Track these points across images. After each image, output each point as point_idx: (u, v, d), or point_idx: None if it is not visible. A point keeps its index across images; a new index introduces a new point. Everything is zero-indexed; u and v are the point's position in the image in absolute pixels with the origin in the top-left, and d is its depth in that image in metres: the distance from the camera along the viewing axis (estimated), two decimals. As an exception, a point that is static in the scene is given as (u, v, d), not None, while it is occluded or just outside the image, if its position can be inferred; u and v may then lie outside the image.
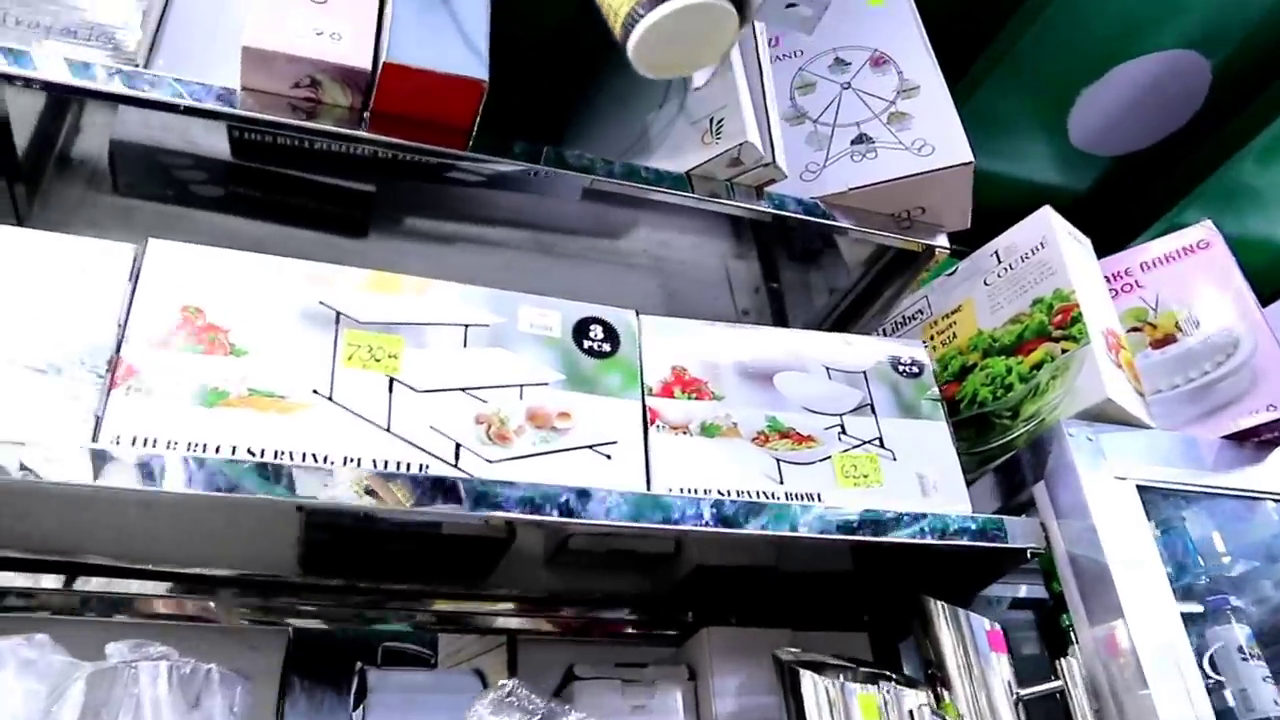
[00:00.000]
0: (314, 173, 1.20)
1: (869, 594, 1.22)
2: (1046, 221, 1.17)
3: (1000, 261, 1.20)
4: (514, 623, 1.11)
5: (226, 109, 0.88)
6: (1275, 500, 1.13)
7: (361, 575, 1.07)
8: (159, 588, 1.02)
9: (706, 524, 0.88)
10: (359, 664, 0.96)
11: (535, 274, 1.31)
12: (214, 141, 1.11)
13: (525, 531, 1.11)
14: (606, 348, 0.96)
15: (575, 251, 1.35)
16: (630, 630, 1.18)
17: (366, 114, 0.93)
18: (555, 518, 0.83)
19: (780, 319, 1.40)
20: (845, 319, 1.30)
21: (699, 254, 1.42)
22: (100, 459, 0.74)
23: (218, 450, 0.78)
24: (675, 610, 1.19)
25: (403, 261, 1.21)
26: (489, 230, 1.32)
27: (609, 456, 0.90)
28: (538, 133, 1.04)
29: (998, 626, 1.01)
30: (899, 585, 1.15)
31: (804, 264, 1.41)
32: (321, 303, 0.89)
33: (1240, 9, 1.43)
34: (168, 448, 0.77)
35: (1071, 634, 0.99)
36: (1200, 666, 0.95)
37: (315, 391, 0.84)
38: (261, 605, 1.04)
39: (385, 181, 1.22)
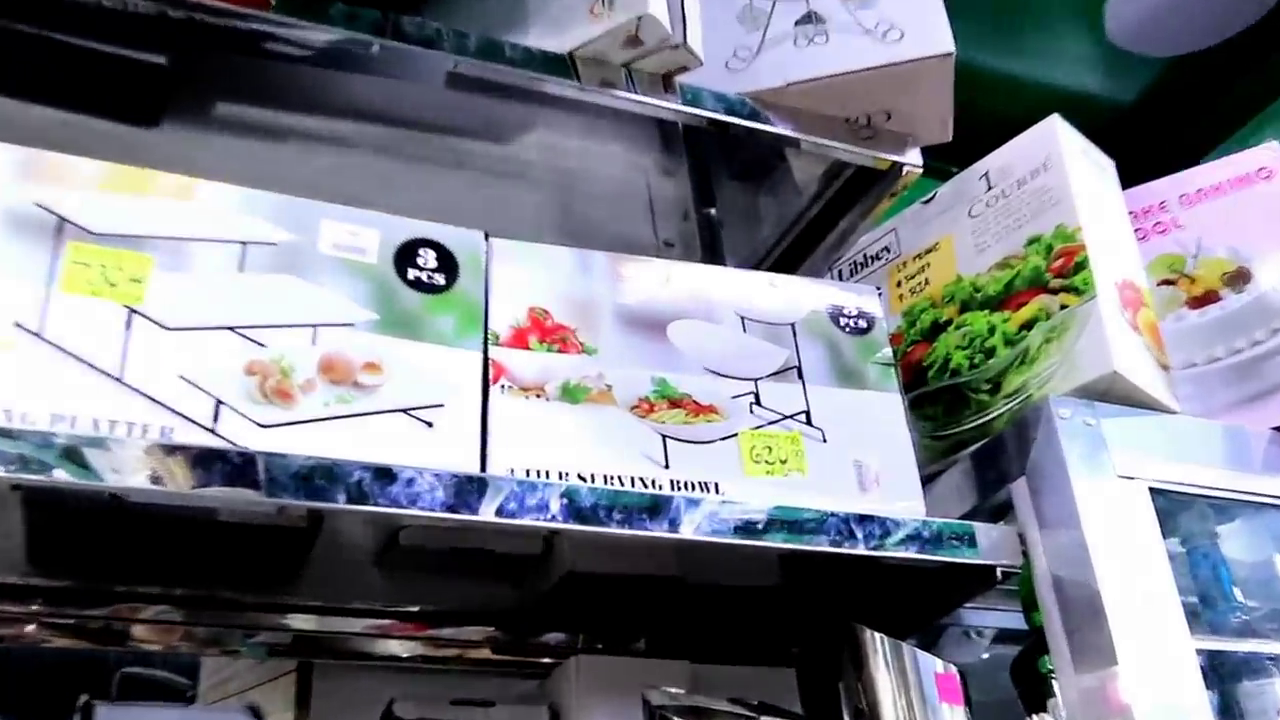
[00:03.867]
0: (81, 37, 1.14)
1: (800, 619, 1.21)
2: (1052, 134, 1.15)
3: (991, 186, 1.19)
4: (310, 642, 1.10)
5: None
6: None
7: (109, 575, 1.03)
8: None
9: (553, 518, 0.85)
10: (83, 697, 0.92)
11: (386, 184, 1.28)
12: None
13: (340, 522, 1.06)
14: (439, 279, 0.93)
15: (443, 157, 1.32)
16: (475, 655, 1.17)
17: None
18: (340, 504, 0.80)
19: (713, 254, 1.40)
20: (792, 257, 1.30)
21: (612, 167, 1.39)
22: None
23: None
24: (540, 630, 1.19)
25: (206, 160, 1.20)
26: (328, 124, 1.28)
27: (430, 424, 0.87)
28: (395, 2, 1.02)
29: (952, 669, 1.00)
30: (839, 609, 1.14)
31: (747, 185, 1.40)
32: (39, 204, 0.84)
33: None
34: None
35: (1052, 682, 0.98)
36: (1223, 737, 0.94)
37: (19, 325, 0.79)
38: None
39: (182, 55, 1.16)
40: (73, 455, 0.74)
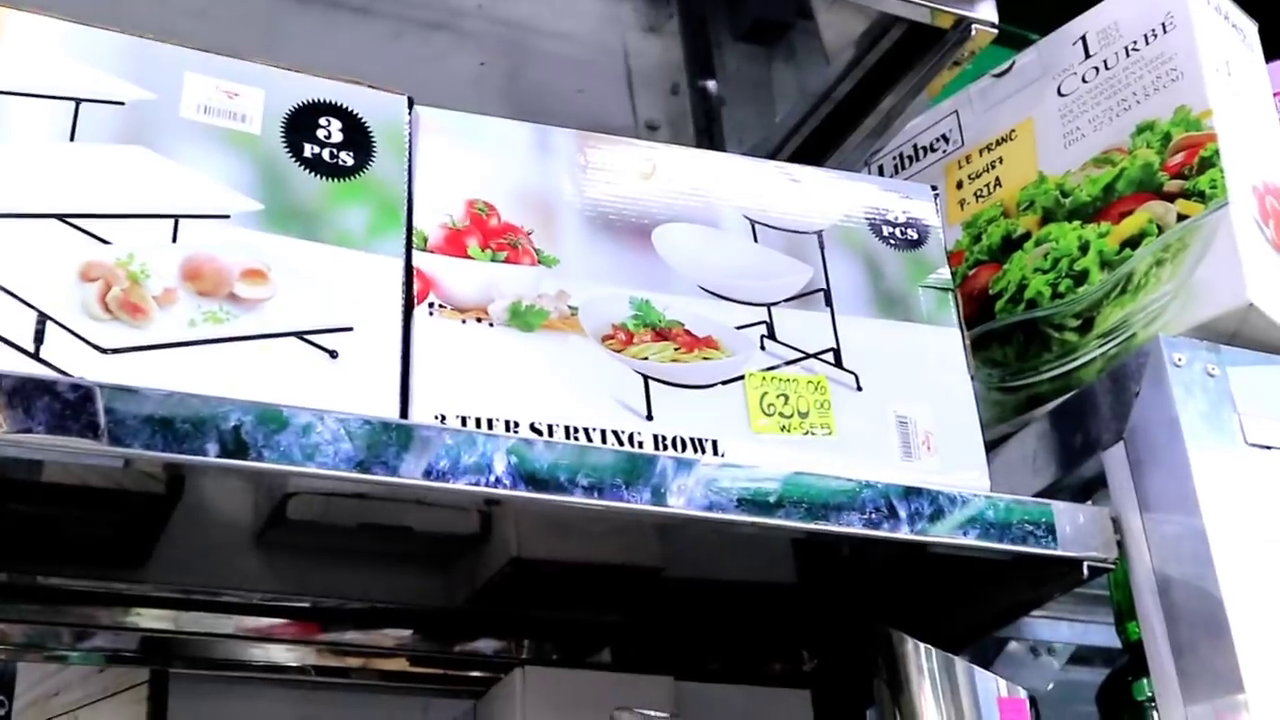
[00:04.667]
0: None
1: (819, 624, 1.23)
2: None
3: (1089, 54, 1.19)
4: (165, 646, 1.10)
5: None
6: None
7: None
8: None
9: (497, 482, 0.84)
10: None
11: (272, 30, 1.29)
12: None
13: (208, 485, 1.10)
14: (347, 158, 0.92)
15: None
16: (388, 667, 1.17)
17: None
18: (211, 457, 0.78)
19: (710, 141, 1.42)
20: (817, 145, 1.31)
21: (576, 19, 1.42)
22: None
23: None
24: (474, 635, 1.19)
25: None
26: None
27: (334, 354, 0.87)
28: None
29: (1020, 694, 1.01)
30: (870, 612, 1.16)
31: (758, 48, 1.43)
32: None
33: None
34: None
35: (1151, 714, 0.99)
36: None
37: None
38: None
39: None
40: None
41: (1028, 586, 1.07)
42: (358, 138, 0.93)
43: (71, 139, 0.86)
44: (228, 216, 0.87)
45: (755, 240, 1.03)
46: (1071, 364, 1.11)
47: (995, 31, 1.13)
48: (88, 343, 0.80)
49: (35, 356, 0.79)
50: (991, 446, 1.05)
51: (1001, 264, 1.18)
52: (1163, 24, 1.14)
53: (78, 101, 0.86)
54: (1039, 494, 1.05)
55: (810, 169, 1.09)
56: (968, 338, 1.06)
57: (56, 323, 0.80)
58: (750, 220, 1.03)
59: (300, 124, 0.92)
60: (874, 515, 0.93)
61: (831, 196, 1.07)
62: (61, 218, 0.83)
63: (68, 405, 0.76)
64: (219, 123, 0.90)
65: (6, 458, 0.89)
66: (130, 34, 0.90)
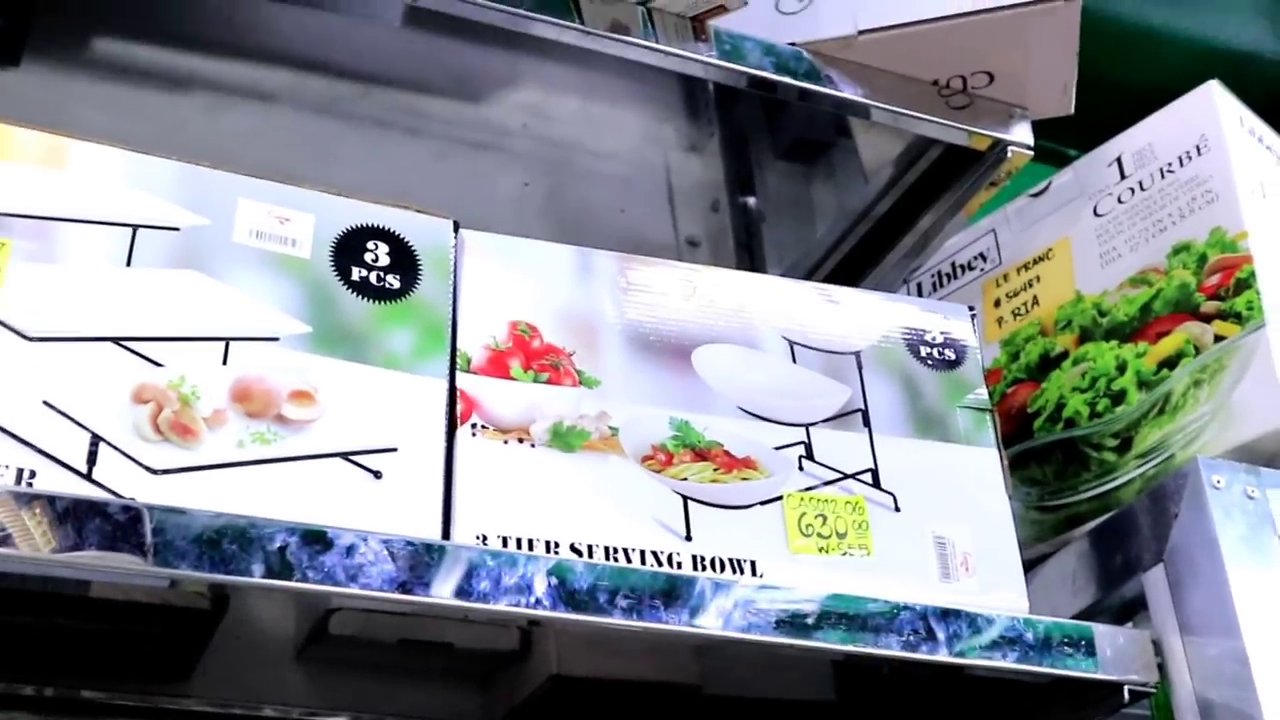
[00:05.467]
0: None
1: None
2: (1210, 106, 1.17)
3: (1125, 175, 1.20)
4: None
5: None
6: None
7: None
8: None
9: (538, 603, 0.84)
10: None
11: (324, 154, 1.31)
12: None
13: (253, 602, 1.10)
14: (393, 281, 0.94)
15: (399, 120, 1.35)
16: None
17: None
18: (257, 578, 0.79)
19: (750, 258, 1.42)
20: (855, 265, 1.31)
21: (620, 139, 1.43)
22: None
23: None
24: None
25: (84, 114, 1.22)
26: (249, 72, 1.31)
27: (378, 474, 0.88)
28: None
29: None
30: None
31: (798, 167, 1.44)
32: None
33: None
34: None
35: None
36: None
37: None
38: None
39: None
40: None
41: (1067, 710, 1.05)
42: (404, 261, 0.95)
43: (128, 264, 0.87)
44: (277, 339, 0.89)
45: (794, 361, 1.03)
46: (1110, 484, 1.11)
47: (1031, 154, 1.14)
48: (139, 464, 0.82)
49: (88, 477, 0.80)
50: (1031, 566, 1.04)
51: (1039, 382, 1.19)
52: (1197, 146, 1.15)
53: (135, 228, 0.89)
54: (1079, 615, 1.05)
55: (848, 290, 1.09)
56: (1005, 458, 1.05)
57: (109, 444, 0.82)
58: (789, 341, 1.03)
59: (348, 248, 0.94)
60: (912, 637, 0.93)
61: (869, 317, 1.07)
62: (116, 341, 0.85)
63: (118, 526, 0.77)
64: (270, 247, 0.92)
65: (55, 576, 0.91)
66: (187, 161, 0.92)
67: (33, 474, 0.79)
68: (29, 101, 1.20)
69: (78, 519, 0.77)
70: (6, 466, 0.79)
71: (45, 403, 0.81)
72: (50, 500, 0.77)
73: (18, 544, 0.75)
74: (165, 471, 0.82)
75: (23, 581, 0.95)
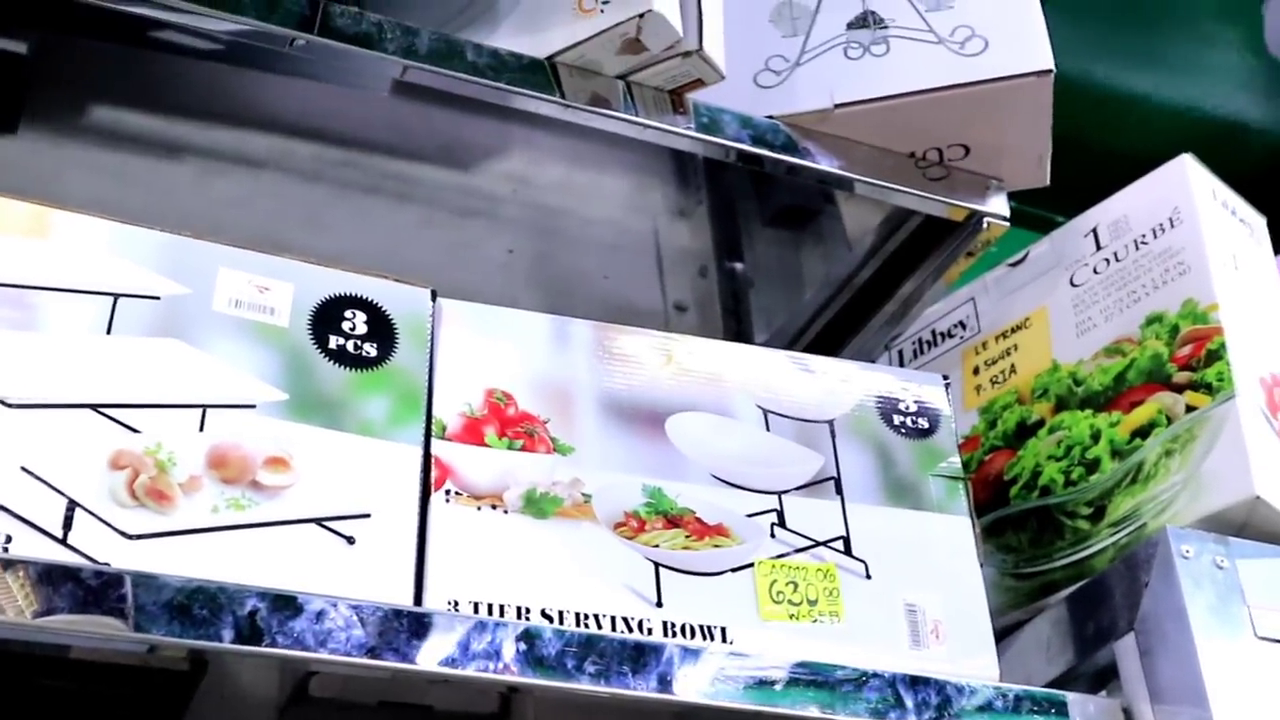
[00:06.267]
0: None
1: None
2: (1182, 179, 1.18)
3: (1100, 246, 1.21)
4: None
5: None
6: None
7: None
8: None
9: (505, 668, 0.85)
10: None
11: (309, 221, 1.32)
12: None
13: (232, 664, 1.09)
14: (370, 350, 0.95)
15: (386, 187, 1.36)
16: None
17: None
18: (226, 643, 0.80)
19: (738, 322, 1.43)
20: (841, 329, 1.32)
21: (607, 206, 1.44)
22: None
23: None
24: None
25: (75, 181, 1.23)
26: (235, 138, 1.32)
27: (351, 540, 0.88)
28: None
29: None
30: None
31: (784, 232, 1.45)
32: None
33: None
34: None
35: None
36: None
37: None
38: None
39: (48, 41, 1.21)
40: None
41: (1042, 778, 1.05)
42: (382, 329, 0.95)
43: (108, 332, 0.88)
44: (254, 406, 0.89)
45: (767, 429, 1.03)
46: (1084, 552, 1.11)
47: (1008, 225, 1.15)
48: (114, 529, 0.82)
49: (63, 542, 0.81)
50: (1006, 633, 1.05)
51: (1016, 450, 1.19)
52: (1170, 219, 1.16)
53: (116, 296, 0.89)
54: (1053, 682, 1.04)
55: (823, 359, 1.10)
56: (978, 526, 1.05)
57: (85, 509, 0.82)
58: (763, 409, 1.04)
59: (327, 317, 0.94)
60: (880, 704, 0.92)
61: (844, 385, 1.07)
62: (94, 408, 0.85)
63: (90, 591, 0.78)
64: (249, 316, 0.92)
65: (33, 640, 0.91)
66: (169, 232, 0.93)
67: (9, 539, 0.80)
68: (25, 169, 1.22)
69: (51, 584, 0.77)
70: (-19, 534, 0.80)
71: (23, 468, 0.82)
72: (28, 565, 0.77)
73: (2, 609, 0.76)
74: (140, 536, 0.83)
75: (3, 644, 0.93)
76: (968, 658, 0.99)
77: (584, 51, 1.05)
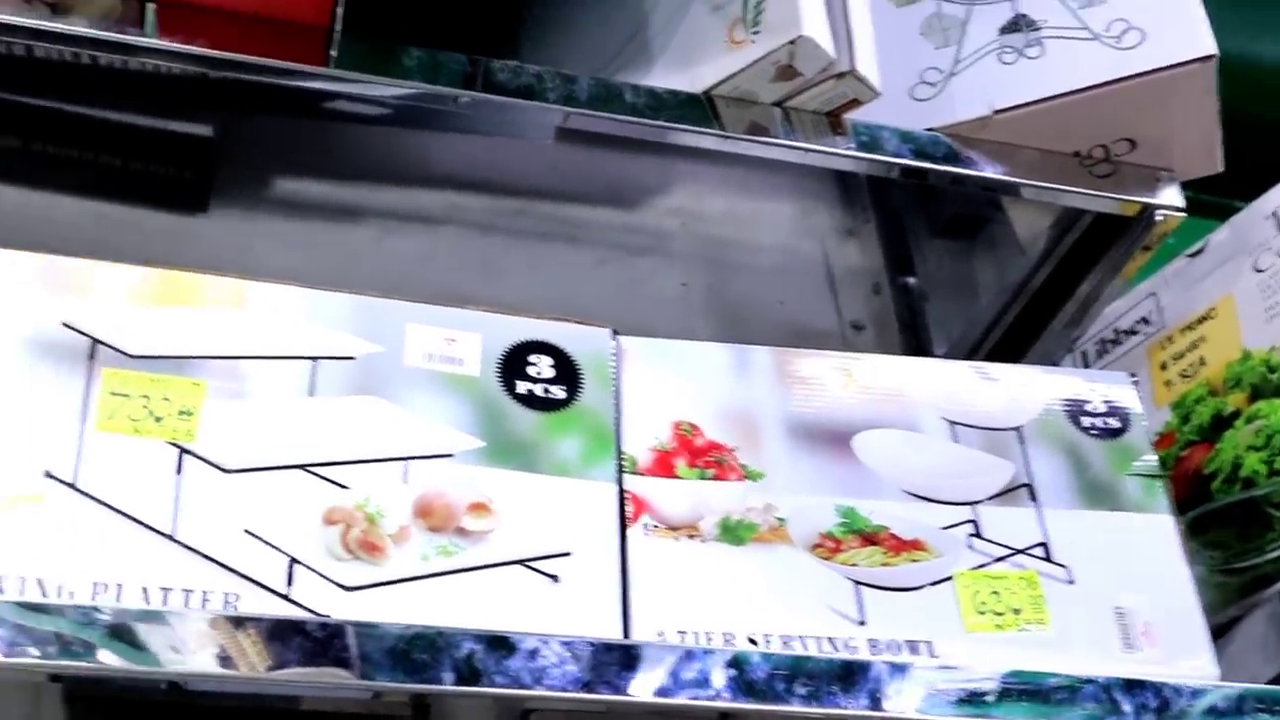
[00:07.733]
0: (111, 110, 1.23)
1: None
2: None
3: None
4: None
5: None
6: None
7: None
8: None
9: (717, 695, 0.86)
10: None
11: (487, 271, 1.34)
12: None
13: (453, 704, 1.08)
14: (558, 392, 0.97)
15: (558, 232, 1.38)
16: None
17: (150, 4, 0.95)
18: (447, 685, 0.82)
19: (916, 336, 1.43)
20: (1020, 335, 1.31)
21: (775, 232, 1.44)
22: None
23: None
24: None
25: (264, 251, 1.28)
26: (411, 198, 1.36)
27: (555, 578, 0.90)
28: (477, 42, 1.07)
29: None
30: None
31: (956, 243, 1.43)
32: (66, 324, 0.90)
33: None
34: None
35: None
36: None
37: (49, 474, 0.84)
38: None
39: (230, 123, 1.26)
40: (122, 634, 0.77)
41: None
42: (566, 371, 0.97)
43: (311, 394, 0.92)
44: (452, 455, 0.92)
45: (955, 440, 1.03)
46: (1299, 547, 1.08)
47: (1183, 215, 1.13)
48: (333, 582, 0.86)
49: (287, 598, 0.84)
50: (1221, 631, 1.03)
51: (1214, 443, 1.17)
52: (1361, 193, 1.13)
53: (315, 360, 0.93)
54: (1274, 680, 1.03)
55: (1005, 366, 1.09)
56: (1182, 523, 1.04)
57: (304, 565, 0.86)
58: (948, 421, 1.03)
59: (513, 363, 0.97)
60: (1097, 710, 0.91)
61: (1028, 391, 1.06)
62: (305, 467, 0.89)
63: (317, 643, 0.81)
64: (440, 368, 0.95)
65: (266, 693, 0.93)
66: (357, 292, 0.97)
67: (236, 597, 0.83)
68: (218, 244, 1.27)
69: (283, 638, 0.80)
70: (211, 592, 0.83)
71: (245, 530, 0.85)
72: (258, 622, 0.80)
73: (237, 664, 0.79)
74: (357, 588, 0.86)
75: (239, 699, 0.96)
76: (1183, 658, 0.97)
77: (739, 83, 1.06)
